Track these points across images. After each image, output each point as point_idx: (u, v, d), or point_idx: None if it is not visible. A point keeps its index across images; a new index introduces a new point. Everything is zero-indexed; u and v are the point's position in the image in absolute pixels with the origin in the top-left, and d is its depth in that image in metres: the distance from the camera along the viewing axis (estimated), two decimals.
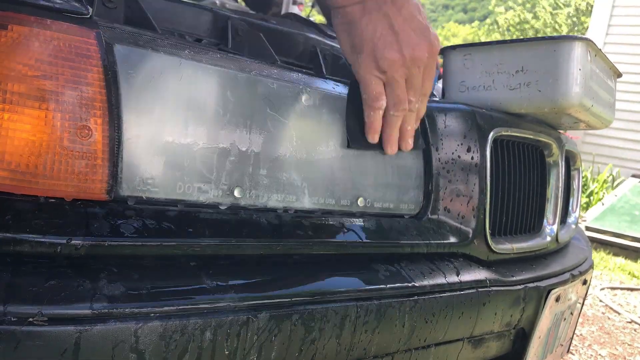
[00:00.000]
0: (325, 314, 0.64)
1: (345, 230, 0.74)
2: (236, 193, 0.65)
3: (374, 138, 0.75)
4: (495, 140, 0.95)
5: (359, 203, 0.78)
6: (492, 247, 0.93)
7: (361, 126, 0.75)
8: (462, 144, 0.89)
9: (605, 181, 5.98)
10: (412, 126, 0.77)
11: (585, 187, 5.78)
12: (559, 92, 0.95)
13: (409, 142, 0.78)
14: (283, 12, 1.68)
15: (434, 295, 0.78)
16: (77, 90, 0.53)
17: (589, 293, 2.62)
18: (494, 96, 1.01)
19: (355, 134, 0.75)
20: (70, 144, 0.53)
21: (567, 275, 1.09)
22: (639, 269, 3.82)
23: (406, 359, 0.77)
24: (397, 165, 0.82)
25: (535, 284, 0.97)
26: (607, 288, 3.26)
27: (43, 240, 0.50)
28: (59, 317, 0.47)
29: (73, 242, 0.51)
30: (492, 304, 0.88)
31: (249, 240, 0.63)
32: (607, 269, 3.74)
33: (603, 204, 4.79)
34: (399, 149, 0.78)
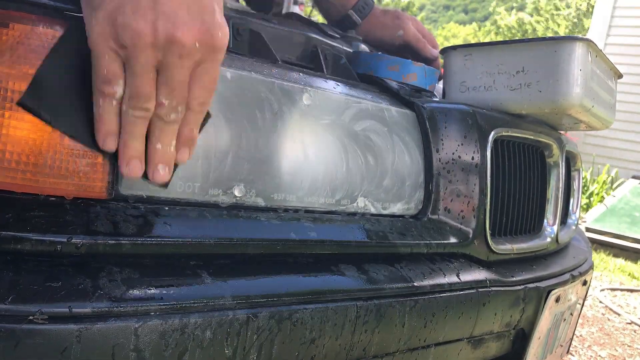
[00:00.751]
0: (324, 314, 0.64)
1: (345, 230, 0.74)
2: (236, 192, 0.65)
3: (104, 141, 0.52)
4: (495, 141, 0.95)
5: (359, 203, 0.78)
6: (492, 248, 0.93)
7: (72, 107, 0.52)
8: (462, 144, 0.89)
9: (604, 182, 5.97)
10: (164, 145, 0.53)
11: (586, 188, 5.78)
12: (560, 93, 0.95)
13: (158, 170, 0.54)
14: (284, 11, 1.68)
15: (433, 296, 0.78)
16: None
17: (589, 294, 2.62)
18: (495, 96, 1.01)
19: (79, 129, 0.52)
20: (71, 142, 0.53)
21: (567, 276, 1.09)
22: (639, 271, 3.82)
23: (406, 359, 0.77)
24: (398, 165, 0.82)
25: (535, 284, 0.97)
26: (607, 289, 3.26)
27: (43, 238, 0.50)
28: (59, 316, 0.47)
29: (73, 240, 0.51)
30: (492, 304, 0.88)
31: (249, 239, 0.63)
32: (607, 270, 3.74)
33: (602, 205, 4.79)
34: (145, 176, 0.54)
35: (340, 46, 1.04)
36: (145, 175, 0.54)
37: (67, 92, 0.51)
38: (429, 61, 1.21)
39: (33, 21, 0.52)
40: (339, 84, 0.82)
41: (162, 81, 0.50)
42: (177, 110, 0.52)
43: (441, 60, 1.20)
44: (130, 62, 0.49)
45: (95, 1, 0.49)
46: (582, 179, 1.30)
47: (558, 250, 1.20)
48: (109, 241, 0.53)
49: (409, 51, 1.22)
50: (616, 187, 5.86)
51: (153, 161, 0.54)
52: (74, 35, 0.52)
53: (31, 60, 0.51)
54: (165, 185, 0.56)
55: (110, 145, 0.52)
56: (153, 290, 0.53)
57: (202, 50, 0.50)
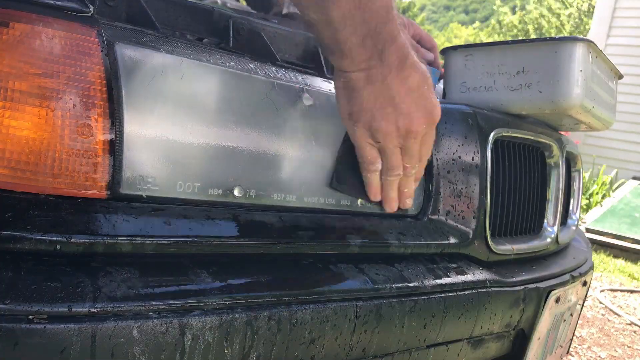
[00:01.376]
0: (324, 314, 0.64)
1: (346, 230, 0.74)
2: (236, 192, 0.65)
3: (375, 197, 0.76)
4: (496, 141, 0.95)
5: (359, 203, 0.78)
6: (492, 248, 0.93)
7: (349, 170, 0.74)
8: (462, 145, 0.89)
9: (604, 183, 5.97)
10: (409, 189, 0.77)
11: (586, 189, 5.78)
12: (560, 93, 0.95)
13: (407, 203, 0.78)
14: (284, 11, 1.67)
15: (433, 296, 0.78)
16: (78, 89, 0.53)
17: (588, 295, 2.61)
18: (495, 97, 1.01)
19: (341, 176, 0.74)
20: (71, 142, 0.53)
21: (567, 277, 1.08)
22: (639, 271, 3.82)
23: None
24: None
25: (535, 285, 0.97)
26: (607, 290, 3.26)
27: (43, 238, 0.50)
28: (59, 315, 0.47)
29: (73, 240, 0.51)
30: (492, 305, 0.88)
31: (249, 239, 0.63)
32: (607, 270, 3.74)
33: (602, 206, 4.79)
34: (398, 207, 0.79)
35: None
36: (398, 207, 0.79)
37: (351, 171, 0.75)
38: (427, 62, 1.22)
39: (34, 20, 0.52)
40: None
41: (405, 154, 0.72)
42: (415, 167, 0.75)
43: (441, 61, 1.20)
44: (383, 149, 0.71)
45: (355, 116, 0.68)
46: (582, 179, 1.30)
47: (558, 250, 1.20)
48: (109, 241, 0.53)
49: None
50: (616, 188, 5.86)
51: (402, 198, 0.78)
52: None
53: (32, 60, 0.51)
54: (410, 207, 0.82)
55: (377, 199, 0.76)
56: (152, 290, 0.53)
57: (427, 127, 0.71)
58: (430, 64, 1.21)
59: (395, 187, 0.76)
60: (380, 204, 0.79)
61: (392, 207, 0.77)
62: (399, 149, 0.71)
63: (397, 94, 0.67)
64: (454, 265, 0.85)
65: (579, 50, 0.94)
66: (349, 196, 0.76)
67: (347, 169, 0.74)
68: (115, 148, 0.55)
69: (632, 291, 3.32)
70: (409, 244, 0.79)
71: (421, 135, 0.71)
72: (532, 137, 1.04)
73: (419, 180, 0.79)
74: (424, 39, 1.24)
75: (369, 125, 0.68)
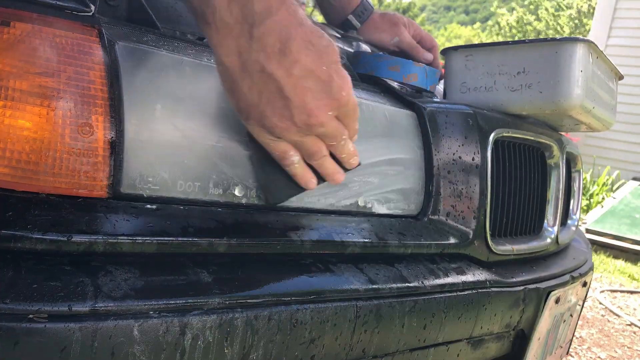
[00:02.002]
0: (324, 314, 0.64)
1: (346, 230, 0.74)
2: (237, 192, 0.65)
3: (309, 185, 0.66)
4: (496, 142, 0.95)
5: (359, 203, 0.78)
6: (492, 248, 0.93)
7: (277, 178, 0.66)
8: (463, 145, 0.89)
9: (604, 184, 5.97)
10: (347, 153, 0.66)
11: (586, 190, 5.77)
12: (561, 94, 0.95)
13: (352, 164, 0.68)
14: None
15: (433, 296, 0.78)
16: (78, 88, 0.53)
17: (588, 295, 2.61)
18: (495, 97, 1.01)
19: (271, 189, 0.67)
20: (72, 141, 0.53)
21: (567, 277, 1.09)
22: (639, 272, 3.82)
23: None
24: (398, 165, 0.82)
25: (535, 285, 0.97)
26: (607, 290, 3.26)
27: (43, 237, 0.50)
28: (60, 314, 0.47)
29: (74, 239, 0.51)
30: (492, 305, 0.88)
31: (249, 238, 0.63)
32: (607, 271, 3.74)
33: (602, 207, 4.79)
34: (346, 171, 0.69)
35: (341, 46, 1.04)
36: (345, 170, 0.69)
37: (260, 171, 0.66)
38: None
39: (35, 20, 0.52)
40: None
41: (323, 138, 0.62)
42: (343, 138, 0.64)
43: (442, 61, 1.20)
44: (292, 142, 0.61)
45: (244, 112, 0.59)
46: (583, 180, 1.29)
47: (558, 251, 1.20)
48: (109, 240, 0.53)
49: (405, 55, 1.23)
50: (616, 189, 5.85)
51: (348, 161, 0.67)
52: None
53: (33, 59, 0.51)
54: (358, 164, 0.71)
55: (313, 185, 0.66)
56: (153, 290, 0.53)
57: (335, 112, 0.60)
58: (430, 64, 1.21)
59: (329, 164, 0.66)
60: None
61: (335, 179, 0.67)
62: (310, 136, 0.61)
63: (284, 85, 0.56)
64: (454, 266, 0.85)
65: (580, 50, 0.94)
66: (294, 197, 0.68)
67: (272, 178, 0.66)
68: (115, 147, 0.55)
69: (632, 292, 3.32)
70: (409, 244, 0.79)
71: (330, 120, 0.60)
72: (532, 138, 1.04)
73: (355, 137, 0.68)
74: (425, 39, 1.24)
75: (261, 123, 0.59)
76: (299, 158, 0.63)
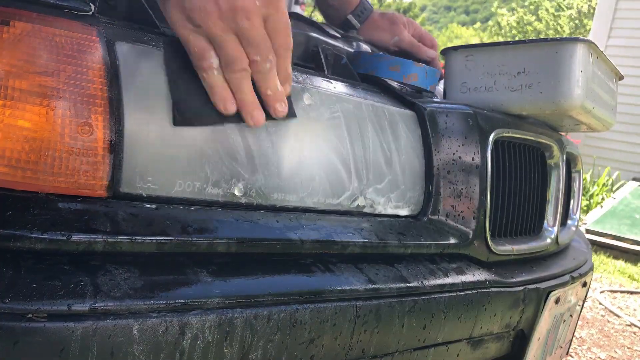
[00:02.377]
0: (324, 314, 0.64)
1: (345, 230, 0.74)
2: (236, 191, 0.65)
3: (225, 107, 0.59)
4: (496, 142, 0.95)
5: (359, 203, 0.78)
6: (492, 249, 0.93)
7: (191, 95, 0.60)
8: (463, 145, 0.89)
9: (604, 184, 5.97)
10: (272, 89, 0.61)
11: (586, 190, 5.77)
12: (561, 94, 0.95)
13: (277, 108, 0.62)
14: None
15: (433, 296, 0.78)
16: (78, 87, 0.53)
17: (588, 296, 2.61)
18: (496, 97, 1.01)
19: (184, 107, 0.59)
20: (71, 140, 0.53)
21: (567, 277, 1.08)
22: (639, 272, 3.82)
23: None
24: (398, 166, 0.82)
25: (535, 285, 0.97)
26: (607, 291, 3.26)
27: (43, 236, 0.50)
28: (59, 314, 0.47)
29: (73, 238, 0.51)
30: (492, 305, 0.88)
31: (249, 238, 0.63)
32: (607, 272, 3.74)
33: (602, 207, 4.79)
34: (270, 117, 0.63)
35: (342, 46, 1.04)
36: (269, 117, 0.63)
37: (193, 94, 0.59)
38: (426, 63, 1.22)
39: (34, 19, 0.52)
40: (340, 84, 0.82)
41: (246, 43, 0.57)
42: (269, 60, 0.59)
43: (442, 62, 1.20)
44: (211, 37, 0.56)
45: None
46: (583, 180, 1.29)
47: (558, 251, 1.20)
48: (109, 239, 0.53)
49: (406, 54, 1.23)
50: (616, 189, 5.85)
51: (271, 104, 0.62)
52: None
53: (32, 58, 0.51)
54: (292, 114, 0.65)
55: (230, 108, 0.59)
56: (152, 289, 0.53)
57: (263, 4, 0.56)
58: (431, 62, 1.21)
59: (247, 88, 0.60)
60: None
61: (254, 117, 0.61)
62: (233, 35, 0.57)
63: None
64: (454, 266, 0.85)
65: (580, 51, 0.94)
66: (203, 125, 0.61)
67: (187, 92, 0.59)
68: (115, 147, 0.55)
69: (632, 292, 3.32)
70: (409, 244, 0.79)
71: (258, 15, 0.56)
72: (532, 138, 1.04)
73: (288, 80, 0.63)
74: (425, 38, 1.24)
75: (182, 4, 0.55)
76: (219, 64, 0.58)
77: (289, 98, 0.64)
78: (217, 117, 0.60)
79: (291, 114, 0.65)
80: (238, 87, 0.59)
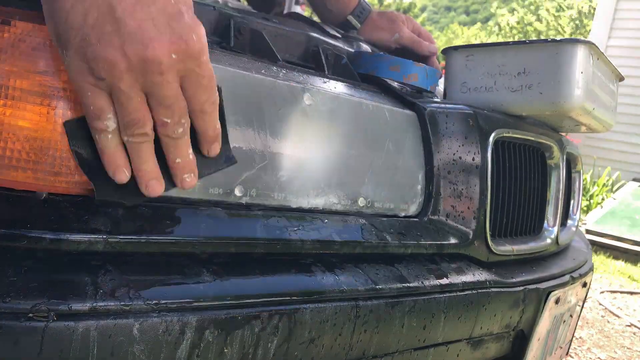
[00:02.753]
0: (324, 314, 0.64)
1: (345, 230, 0.74)
2: (237, 191, 0.65)
3: (114, 174, 0.51)
4: (496, 142, 0.95)
5: (359, 203, 0.78)
6: (492, 249, 0.93)
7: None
8: (463, 145, 0.89)
9: (604, 184, 5.97)
10: (182, 157, 0.52)
11: (586, 190, 5.77)
12: (561, 95, 0.95)
13: (185, 180, 0.54)
14: (285, 11, 1.68)
15: (433, 296, 0.78)
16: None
17: (588, 296, 2.61)
18: (496, 98, 1.01)
19: (99, 177, 0.52)
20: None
21: (567, 278, 1.08)
22: (639, 273, 3.82)
23: None
24: (398, 166, 0.82)
25: (535, 285, 0.97)
26: (607, 291, 3.26)
27: (43, 236, 0.50)
28: (59, 313, 0.47)
29: (73, 238, 0.51)
30: (492, 306, 0.88)
31: (249, 238, 0.63)
32: (607, 272, 3.74)
33: (602, 207, 4.79)
34: (177, 186, 0.54)
35: (342, 46, 1.04)
36: (172, 185, 0.54)
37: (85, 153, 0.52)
38: (427, 57, 1.23)
39: (35, 19, 0.52)
40: (340, 84, 0.82)
41: (155, 103, 0.49)
42: (182, 124, 0.51)
43: (442, 62, 1.20)
44: (113, 93, 0.47)
45: (63, 38, 0.47)
46: (583, 181, 1.30)
47: (558, 251, 1.20)
48: (109, 239, 0.53)
49: (406, 52, 1.23)
50: (617, 190, 5.85)
51: (178, 174, 0.54)
52: None
53: (33, 58, 0.51)
54: (231, 160, 0.58)
55: (121, 176, 0.51)
56: (153, 289, 0.53)
57: (181, 59, 0.48)
58: (429, 58, 1.21)
59: (146, 154, 0.51)
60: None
61: (149, 187, 0.52)
62: (140, 91, 0.48)
63: (117, 4, 0.45)
64: (454, 266, 0.85)
65: (580, 51, 0.94)
66: (129, 202, 0.54)
67: (96, 162, 0.52)
68: None
69: (632, 293, 3.32)
70: (409, 244, 0.79)
71: (173, 70, 0.48)
72: (532, 138, 1.04)
73: (217, 139, 0.55)
74: (423, 34, 1.25)
75: (84, 52, 0.46)
76: (115, 127, 0.49)
77: (226, 144, 0.57)
78: (116, 192, 0.52)
79: (229, 160, 0.58)
80: (136, 154, 0.50)
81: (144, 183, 0.52)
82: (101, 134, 0.49)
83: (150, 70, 0.47)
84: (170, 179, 0.54)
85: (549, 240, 1.12)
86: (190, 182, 0.54)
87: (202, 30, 0.49)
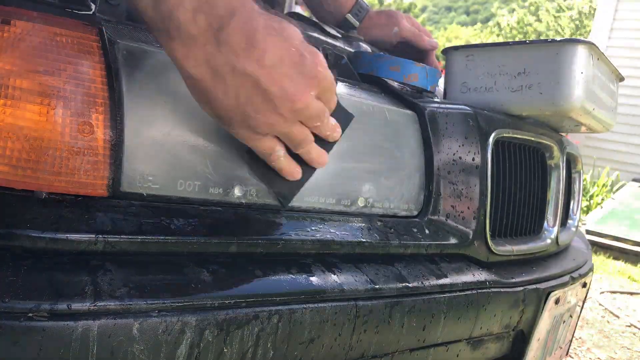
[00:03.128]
0: (324, 314, 0.64)
1: (345, 230, 0.74)
2: (237, 191, 0.65)
3: (294, 175, 0.65)
4: (496, 142, 0.95)
5: (359, 203, 0.78)
6: (492, 249, 0.93)
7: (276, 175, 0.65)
8: (463, 145, 0.89)
9: (604, 185, 5.97)
10: (329, 129, 0.64)
11: (586, 191, 5.77)
12: (561, 95, 0.95)
13: (334, 136, 0.66)
14: (286, 11, 1.68)
15: (433, 296, 0.78)
16: (79, 87, 0.53)
17: (588, 296, 2.61)
18: (496, 98, 1.01)
19: (280, 188, 0.66)
20: (72, 140, 0.53)
21: (567, 278, 1.08)
22: (639, 273, 3.82)
23: None
24: (398, 166, 0.82)
25: (534, 286, 0.97)
26: (607, 292, 3.26)
27: (43, 235, 0.50)
28: (59, 313, 0.47)
29: (73, 237, 0.51)
30: (492, 306, 0.88)
31: (249, 238, 0.63)
32: (607, 272, 3.74)
33: (602, 208, 4.79)
34: (328, 147, 0.67)
35: (342, 46, 1.04)
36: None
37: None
38: (428, 52, 1.22)
39: (35, 18, 0.52)
40: (340, 84, 0.82)
41: (308, 121, 0.60)
42: (327, 115, 0.62)
43: (442, 62, 1.20)
44: (279, 135, 0.59)
45: (225, 120, 0.57)
46: (583, 181, 1.30)
47: (558, 252, 1.20)
48: (109, 239, 0.53)
49: (407, 46, 1.23)
50: (617, 190, 5.85)
51: (331, 135, 0.65)
52: None
53: (33, 58, 0.51)
54: (350, 117, 0.70)
55: (297, 176, 0.65)
56: (152, 289, 0.53)
57: (317, 90, 0.58)
58: (430, 53, 1.21)
59: (314, 150, 0.64)
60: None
61: (321, 162, 0.65)
62: (298, 123, 0.59)
63: (259, 77, 0.54)
64: (454, 266, 0.85)
65: (580, 52, 0.94)
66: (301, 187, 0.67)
67: (273, 174, 0.65)
68: (116, 146, 0.55)
69: (631, 293, 3.32)
70: (409, 244, 0.79)
71: (314, 99, 0.58)
72: (532, 138, 1.04)
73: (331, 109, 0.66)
74: (422, 30, 1.25)
75: (246, 125, 0.57)
76: (284, 151, 0.62)
77: (340, 107, 0.67)
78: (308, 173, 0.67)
79: (349, 116, 0.69)
80: (307, 153, 0.64)
81: (316, 162, 0.65)
82: (276, 161, 0.62)
83: (301, 112, 0.58)
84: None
85: (549, 241, 1.12)
86: (337, 135, 0.66)
87: (320, 56, 0.59)
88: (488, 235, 0.92)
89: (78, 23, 0.55)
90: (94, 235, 0.52)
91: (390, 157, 0.81)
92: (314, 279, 0.66)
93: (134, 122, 0.57)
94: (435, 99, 0.99)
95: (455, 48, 1.06)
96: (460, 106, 0.93)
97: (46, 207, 0.52)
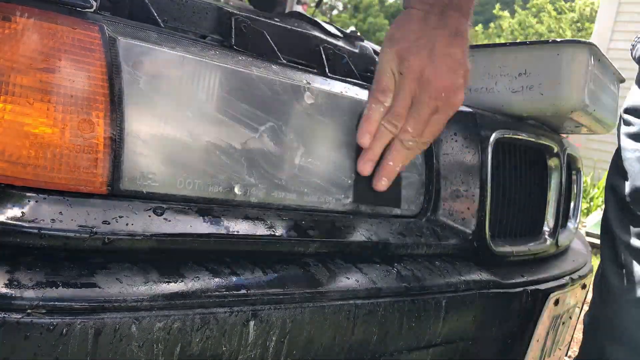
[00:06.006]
0: (322, 313, 0.64)
1: (345, 230, 0.74)
2: (236, 190, 0.65)
3: (364, 137, 0.71)
4: (496, 143, 0.95)
5: (359, 203, 0.78)
6: (492, 250, 0.93)
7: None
8: (463, 146, 0.89)
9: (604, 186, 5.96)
10: (394, 164, 0.72)
11: (586, 193, 5.77)
12: (561, 96, 0.95)
13: (383, 181, 0.74)
14: (287, 10, 1.68)
15: (433, 296, 0.77)
16: (79, 84, 0.53)
17: (588, 297, 2.60)
18: (496, 98, 1.01)
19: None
20: (72, 137, 0.53)
21: (566, 279, 1.08)
22: None
23: None
24: None
25: (534, 287, 0.97)
26: None
27: (43, 232, 0.50)
28: (58, 309, 0.47)
29: (73, 235, 0.51)
30: (491, 306, 0.88)
31: (249, 237, 0.63)
32: None
33: (602, 209, 4.79)
34: (372, 184, 0.74)
35: (343, 45, 1.04)
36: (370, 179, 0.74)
37: None
38: None
39: (36, 15, 0.52)
40: (341, 83, 0.82)
41: (412, 114, 0.69)
42: (414, 140, 0.71)
43: None
44: (400, 85, 0.69)
45: (395, 39, 0.69)
46: (583, 183, 1.30)
47: (558, 253, 1.20)
48: (108, 236, 0.53)
49: None
50: None
51: (381, 173, 0.73)
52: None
53: (34, 55, 0.51)
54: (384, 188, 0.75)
55: (365, 140, 0.71)
56: (151, 286, 0.53)
57: (443, 101, 0.69)
58: None
59: (383, 142, 0.71)
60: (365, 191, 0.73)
61: (365, 166, 0.72)
62: (410, 99, 0.69)
63: (438, 47, 0.68)
64: (454, 266, 0.85)
65: (581, 53, 0.94)
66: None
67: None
68: (116, 144, 0.55)
69: None
70: (409, 244, 0.79)
71: (436, 102, 0.69)
72: (532, 139, 1.04)
73: (408, 159, 0.74)
74: None
75: (401, 53, 0.68)
76: (385, 110, 0.70)
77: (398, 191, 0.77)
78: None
79: (391, 202, 0.76)
80: (380, 135, 0.70)
81: (364, 160, 0.72)
82: (378, 104, 0.70)
83: (427, 89, 0.69)
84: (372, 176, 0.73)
85: (548, 242, 1.12)
86: (382, 186, 0.74)
87: (463, 98, 0.72)
88: (488, 236, 0.91)
89: (79, 20, 0.55)
90: (93, 233, 0.52)
91: None
92: (314, 278, 0.66)
93: (134, 120, 0.57)
94: None
95: None
96: (460, 106, 0.93)
97: (46, 204, 0.52)
